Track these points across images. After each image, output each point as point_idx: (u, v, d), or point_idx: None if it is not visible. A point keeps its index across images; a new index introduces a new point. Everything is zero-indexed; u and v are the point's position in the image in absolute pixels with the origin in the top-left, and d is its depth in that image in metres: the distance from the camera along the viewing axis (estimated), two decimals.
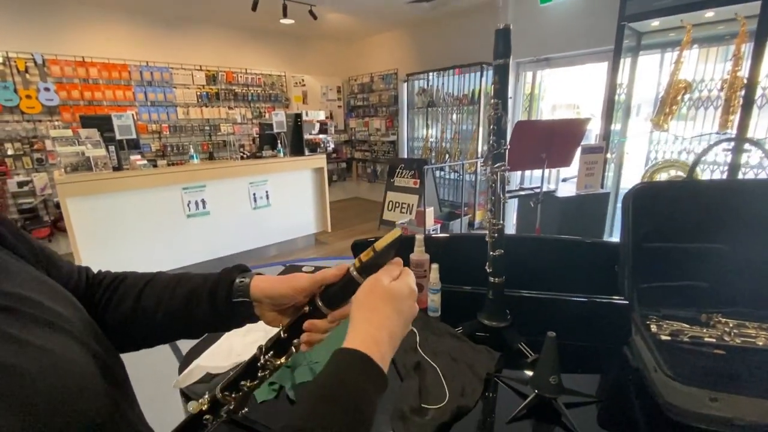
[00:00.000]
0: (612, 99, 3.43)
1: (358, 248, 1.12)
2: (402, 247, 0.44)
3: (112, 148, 2.99)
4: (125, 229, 3.03)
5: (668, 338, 0.72)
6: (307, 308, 0.45)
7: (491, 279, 0.84)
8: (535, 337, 0.85)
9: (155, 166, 3.40)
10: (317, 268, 1.34)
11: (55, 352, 0.31)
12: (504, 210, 0.79)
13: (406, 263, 1.01)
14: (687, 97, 2.89)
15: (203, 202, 3.43)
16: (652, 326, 0.76)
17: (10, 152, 3.84)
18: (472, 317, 0.92)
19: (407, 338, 0.86)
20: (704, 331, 0.72)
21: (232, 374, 0.45)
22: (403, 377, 0.74)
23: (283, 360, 0.45)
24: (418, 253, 0.99)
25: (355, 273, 0.43)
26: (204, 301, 0.48)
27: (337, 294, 0.45)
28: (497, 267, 0.83)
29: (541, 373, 0.66)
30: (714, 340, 0.69)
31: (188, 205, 3.35)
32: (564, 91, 4.55)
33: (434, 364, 0.78)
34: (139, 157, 3.29)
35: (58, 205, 3.90)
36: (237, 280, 0.49)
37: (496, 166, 0.75)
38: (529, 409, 0.66)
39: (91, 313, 0.41)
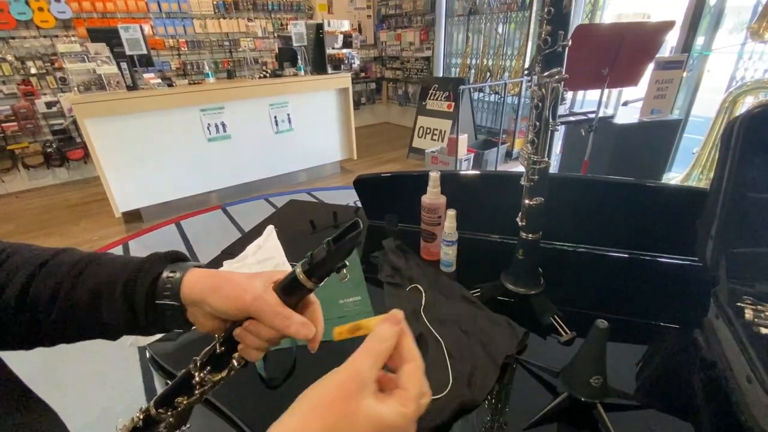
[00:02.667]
0: (702, 1, 2.76)
1: (359, 185, 0.94)
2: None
3: (124, 65, 2.82)
4: (149, 153, 2.99)
5: None
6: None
7: (523, 234, 0.64)
8: (570, 307, 0.67)
9: (170, 85, 3.20)
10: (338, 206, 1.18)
11: None
12: (551, 142, 0.55)
13: (419, 207, 0.82)
14: None
15: (223, 125, 3.28)
16: (746, 311, 0.55)
17: (33, 71, 3.77)
18: (495, 274, 0.74)
19: (411, 300, 0.70)
20: None
21: (165, 389, 0.38)
22: None
23: (223, 374, 0.36)
24: (433, 195, 0.79)
25: (302, 276, 0.32)
26: (117, 299, 0.35)
27: (283, 300, 0.34)
28: (533, 220, 0.62)
29: (580, 370, 0.49)
30: None
31: (208, 128, 3.22)
32: None
33: (438, 337, 0.62)
34: (152, 75, 3.11)
35: None
36: (165, 275, 0.36)
37: (547, 73, 0.49)
38: (557, 411, 0.50)
39: None
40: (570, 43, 0.47)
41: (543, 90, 0.51)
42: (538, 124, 0.53)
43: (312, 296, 0.36)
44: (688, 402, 0.52)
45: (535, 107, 0.53)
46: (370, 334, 0.27)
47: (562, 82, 0.49)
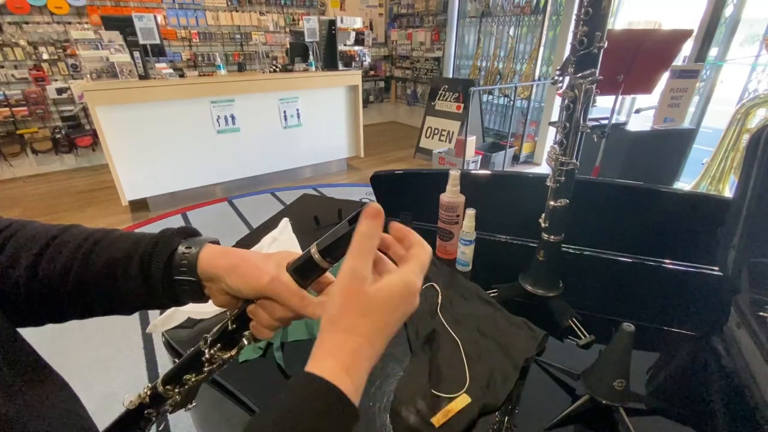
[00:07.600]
0: (718, 11, 2.75)
1: (376, 181, 0.94)
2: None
3: (136, 54, 2.82)
4: (158, 142, 3.00)
5: None
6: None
7: (545, 236, 0.64)
8: (586, 311, 0.67)
9: (181, 76, 3.21)
10: (345, 202, 1.19)
11: None
12: (580, 144, 0.55)
13: (435, 206, 0.82)
14: None
15: (233, 117, 3.29)
16: None
17: (45, 56, 3.78)
18: (511, 276, 0.74)
19: (427, 298, 0.70)
20: None
21: (173, 366, 0.38)
22: (412, 349, 0.60)
23: (233, 353, 0.37)
24: (452, 194, 0.79)
25: (317, 255, 0.32)
26: (133, 274, 0.35)
27: (296, 281, 0.34)
28: (556, 222, 0.62)
29: (603, 373, 0.49)
30: None
31: (218, 120, 3.23)
32: (645, 4, 3.73)
33: (456, 337, 0.62)
34: (164, 65, 3.11)
35: None
36: (180, 249, 0.36)
37: (580, 74, 0.49)
38: (577, 414, 0.50)
39: None
40: (606, 44, 0.47)
41: (575, 91, 0.50)
42: (568, 125, 0.53)
43: (329, 275, 0.36)
44: (708, 408, 0.51)
45: (566, 108, 0.53)
46: (356, 232, 0.29)
47: (596, 84, 0.49)
